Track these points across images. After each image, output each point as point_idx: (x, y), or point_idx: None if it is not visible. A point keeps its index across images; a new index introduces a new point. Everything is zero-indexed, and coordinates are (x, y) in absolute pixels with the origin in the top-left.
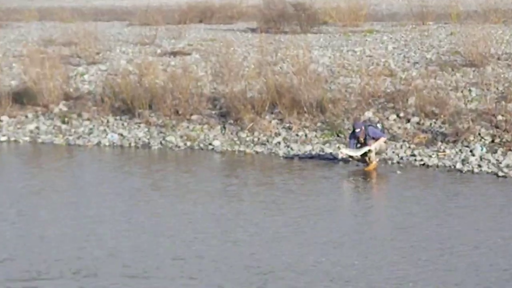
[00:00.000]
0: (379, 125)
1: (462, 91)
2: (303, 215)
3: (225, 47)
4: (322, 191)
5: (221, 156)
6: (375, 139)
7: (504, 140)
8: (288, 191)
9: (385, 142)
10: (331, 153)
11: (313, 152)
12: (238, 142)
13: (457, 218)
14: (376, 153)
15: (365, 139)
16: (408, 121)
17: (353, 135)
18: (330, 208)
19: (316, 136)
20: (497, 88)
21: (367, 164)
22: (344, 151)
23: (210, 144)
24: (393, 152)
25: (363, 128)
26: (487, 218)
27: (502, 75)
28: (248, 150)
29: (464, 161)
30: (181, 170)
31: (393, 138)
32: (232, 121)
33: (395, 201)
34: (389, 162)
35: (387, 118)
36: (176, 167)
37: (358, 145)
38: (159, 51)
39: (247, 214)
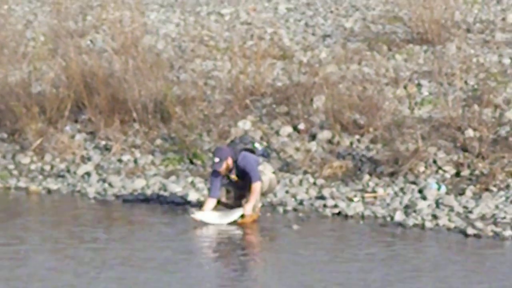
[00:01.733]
0: (257, 145)
1: (405, 87)
2: None
3: None
4: (159, 266)
5: None
6: (251, 180)
7: (476, 172)
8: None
9: (273, 172)
10: (179, 194)
11: (148, 191)
12: (15, 171)
13: None
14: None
15: (240, 173)
16: (313, 138)
17: (216, 171)
18: None
19: (153, 162)
20: (466, 82)
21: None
22: (199, 215)
23: None
24: (287, 192)
25: (229, 158)
26: None
27: (475, 59)
28: (33, 187)
29: (408, 209)
30: None
31: (287, 167)
32: (5, 135)
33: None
34: (281, 208)
35: (277, 133)
36: None
37: (225, 180)
38: None
39: None
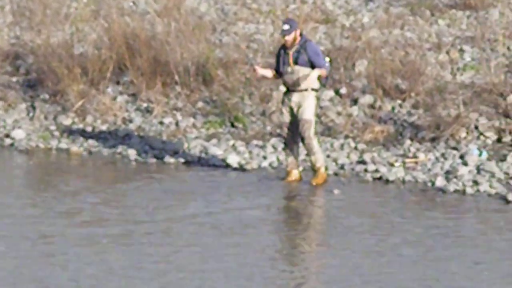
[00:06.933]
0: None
1: (448, 52)
2: None
3: None
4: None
5: (26, 159)
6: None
7: None
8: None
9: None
10: (221, 157)
11: (191, 153)
12: (57, 132)
13: None
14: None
15: (303, 62)
16: (355, 102)
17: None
18: None
19: (194, 125)
20: (508, 48)
21: (314, 171)
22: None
23: (8, 135)
24: (328, 156)
25: (298, 30)
26: None
27: None
28: (75, 148)
29: (449, 175)
30: None
31: (329, 131)
32: (47, 96)
33: (325, 260)
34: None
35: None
36: None
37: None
38: None
39: None
